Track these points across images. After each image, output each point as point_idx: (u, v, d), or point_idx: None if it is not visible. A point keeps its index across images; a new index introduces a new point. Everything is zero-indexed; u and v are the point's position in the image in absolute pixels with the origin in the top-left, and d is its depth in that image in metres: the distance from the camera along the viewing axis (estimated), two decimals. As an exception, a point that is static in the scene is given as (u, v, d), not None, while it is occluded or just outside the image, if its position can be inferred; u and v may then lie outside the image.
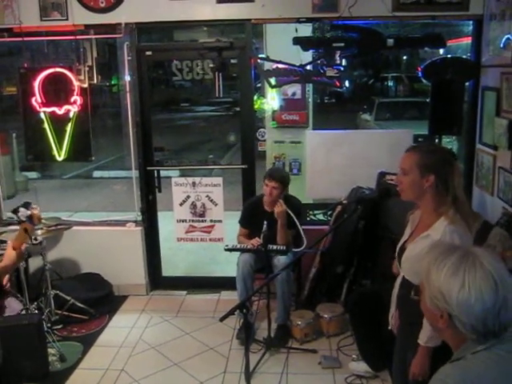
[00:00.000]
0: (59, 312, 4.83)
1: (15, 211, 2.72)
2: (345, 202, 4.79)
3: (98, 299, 5.09)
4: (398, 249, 2.73)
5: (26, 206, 2.62)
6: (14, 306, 4.40)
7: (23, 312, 4.49)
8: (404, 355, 2.67)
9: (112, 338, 4.67)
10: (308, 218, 5.20)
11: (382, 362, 3.78)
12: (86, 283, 5.20)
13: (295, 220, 4.40)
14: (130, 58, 5.03)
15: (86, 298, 4.98)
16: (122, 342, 4.60)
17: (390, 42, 4.54)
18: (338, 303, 4.72)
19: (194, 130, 16.64)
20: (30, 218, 2.58)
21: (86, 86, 5.21)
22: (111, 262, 5.31)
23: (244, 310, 3.07)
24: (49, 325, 4.54)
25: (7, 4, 4.92)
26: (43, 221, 4.63)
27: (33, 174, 11.06)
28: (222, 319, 2.88)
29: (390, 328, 2.88)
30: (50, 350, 4.27)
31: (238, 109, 6.24)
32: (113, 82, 13.97)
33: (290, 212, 4.42)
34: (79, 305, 4.88)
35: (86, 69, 5.29)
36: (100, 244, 5.29)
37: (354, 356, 4.09)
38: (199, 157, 12.19)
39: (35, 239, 2.67)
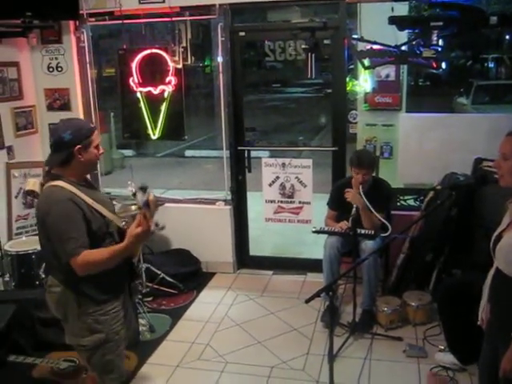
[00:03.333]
0: (150, 285, 5.03)
1: (134, 195, 2.62)
2: (439, 187, 4.62)
3: (186, 275, 5.25)
4: (493, 238, 2.61)
5: (143, 190, 2.55)
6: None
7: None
8: (494, 349, 2.56)
9: (199, 312, 4.81)
10: (398, 204, 5.07)
11: (471, 355, 3.64)
12: (176, 259, 5.37)
13: (370, 207, 4.26)
14: (223, 38, 5.08)
15: (175, 272, 5.15)
16: (208, 317, 4.72)
17: (494, 19, 4.26)
18: (426, 291, 4.60)
19: (284, 111, 16.65)
20: (147, 204, 2.53)
21: (180, 66, 5.31)
22: (200, 239, 5.44)
23: (330, 293, 3.06)
24: (140, 296, 4.73)
25: (109, -11, 5.12)
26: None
27: (128, 152, 11.52)
28: (307, 301, 2.88)
29: (478, 324, 2.76)
30: (141, 321, 4.47)
31: (329, 90, 6.15)
32: (205, 63, 14.21)
33: (363, 198, 4.29)
34: (169, 279, 5.06)
35: (181, 50, 5.39)
36: (190, 221, 5.44)
37: (440, 347, 3.97)
38: (289, 138, 12.20)
39: (156, 225, 2.59)
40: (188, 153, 11.82)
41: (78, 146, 2.61)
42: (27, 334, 4.09)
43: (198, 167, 10.55)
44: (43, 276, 4.64)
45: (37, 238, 5.10)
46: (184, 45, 5.52)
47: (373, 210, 4.25)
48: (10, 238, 5.29)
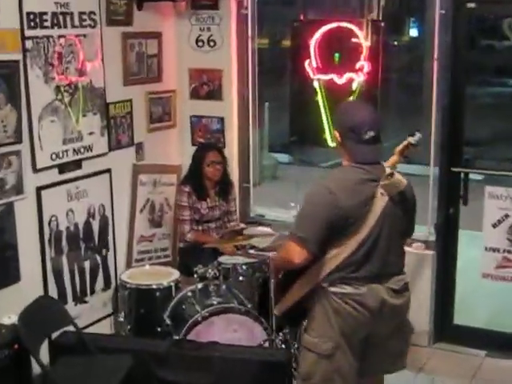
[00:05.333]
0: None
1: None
2: None
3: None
4: None
5: (419, 130, 3.63)
6: (256, 333, 4.61)
7: (267, 344, 4.68)
8: None
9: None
10: None
11: None
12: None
13: None
14: (443, 11, 4.92)
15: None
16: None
17: None
18: None
19: (504, 113, 15.93)
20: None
21: (372, 46, 5.19)
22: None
23: None
24: (295, 365, 4.65)
25: None
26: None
27: (284, 157, 11.49)
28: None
29: None
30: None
31: None
32: (403, 41, 14.04)
33: None
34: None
35: (372, 22, 5.29)
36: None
37: None
38: (509, 153, 11.63)
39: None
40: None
41: None
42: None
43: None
44: (168, 322, 4.73)
45: (163, 268, 5.26)
46: (375, 16, 5.43)
47: None
48: (128, 265, 5.42)
